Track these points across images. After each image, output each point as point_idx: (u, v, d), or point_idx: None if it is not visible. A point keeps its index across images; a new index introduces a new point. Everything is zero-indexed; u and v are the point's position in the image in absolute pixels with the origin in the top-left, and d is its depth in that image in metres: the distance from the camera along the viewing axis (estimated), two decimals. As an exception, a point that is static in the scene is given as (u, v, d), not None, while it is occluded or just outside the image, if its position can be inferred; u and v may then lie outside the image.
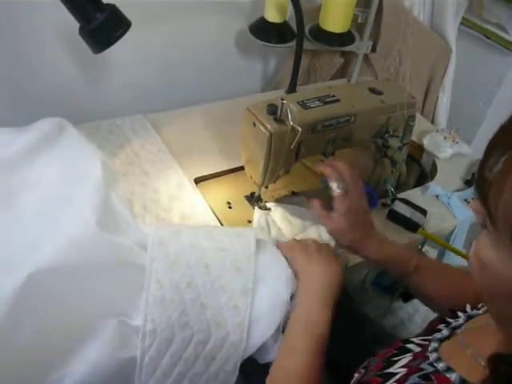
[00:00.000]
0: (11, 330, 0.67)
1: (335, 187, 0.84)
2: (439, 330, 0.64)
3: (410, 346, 0.62)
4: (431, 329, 0.68)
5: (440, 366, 0.53)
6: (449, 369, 0.52)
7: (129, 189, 1.02)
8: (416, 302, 1.31)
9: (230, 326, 0.77)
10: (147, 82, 1.34)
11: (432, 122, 1.55)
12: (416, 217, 1.07)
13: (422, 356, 0.57)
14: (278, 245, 0.87)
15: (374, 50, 1.43)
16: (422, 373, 0.53)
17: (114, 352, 0.74)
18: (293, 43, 1.32)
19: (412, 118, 1.06)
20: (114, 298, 0.78)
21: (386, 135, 1.01)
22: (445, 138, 1.27)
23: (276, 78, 1.55)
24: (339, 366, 0.97)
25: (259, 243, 0.85)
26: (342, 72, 1.55)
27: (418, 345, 0.61)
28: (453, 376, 0.51)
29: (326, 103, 0.94)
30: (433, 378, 0.52)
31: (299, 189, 1.14)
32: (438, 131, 1.30)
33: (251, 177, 0.99)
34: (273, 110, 0.87)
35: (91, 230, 0.76)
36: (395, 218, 1.07)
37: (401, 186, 1.22)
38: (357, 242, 0.86)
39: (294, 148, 0.90)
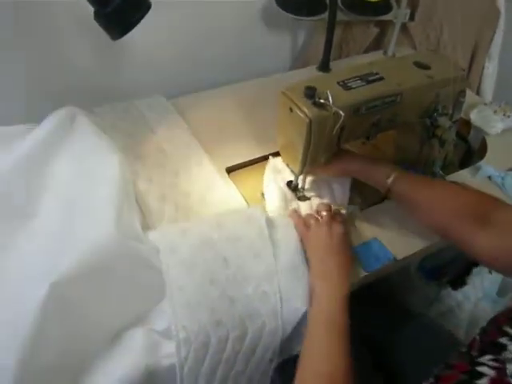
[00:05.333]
0: (37, 346, 0.63)
1: None
2: (504, 346, 0.56)
3: (481, 369, 0.54)
4: (493, 340, 0.59)
5: None
6: None
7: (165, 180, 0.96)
8: (466, 288, 1.23)
9: (263, 314, 0.74)
10: (170, 66, 1.27)
11: (477, 94, 1.43)
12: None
13: (501, 381, 0.50)
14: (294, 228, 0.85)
15: (412, 18, 1.32)
16: None
17: (146, 362, 0.69)
18: (324, 15, 1.22)
19: (462, 93, 0.96)
20: (136, 304, 0.75)
21: (435, 114, 0.91)
22: (494, 111, 1.16)
23: (305, 54, 1.45)
24: (384, 363, 0.92)
25: (268, 222, 0.83)
26: (377, 43, 1.44)
27: (492, 367, 0.54)
28: None
29: (369, 82, 0.85)
30: None
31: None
32: (486, 104, 1.19)
33: (288, 165, 0.91)
34: (311, 92, 0.79)
35: (111, 234, 0.71)
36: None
37: (447, 167, 1.12)
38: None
39: (336, 134, 0.82)
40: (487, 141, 1.15)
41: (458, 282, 1.19)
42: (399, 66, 0.92)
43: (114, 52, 1.16)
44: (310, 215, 0.87)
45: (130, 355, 0.69)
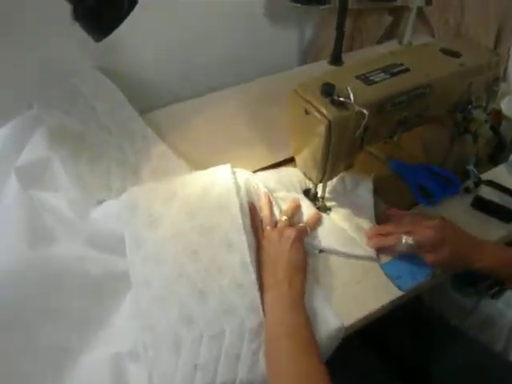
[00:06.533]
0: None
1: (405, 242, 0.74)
2: None
3: None
4: None
5: None
6: None
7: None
8: (507, 295, 1.11)
9: (241, 309, 0.66)
10: (166, 71, 1.16)
11: (503, 81, 1.32)
12: (510, 203, 0.88)
13: None
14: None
15: (428, 2, 1.21)
16: None
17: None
18: (333, 4, 1.12)
19: (496, 81, 0.85)
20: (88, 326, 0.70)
21: (470, 106, 0.80)
22: (528, 99, 1.05)
23: (314, 48, 1.34)
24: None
25: (242, 208, 0.77)
26: (391, 32, 1.34)
27: None
28: None
29: (393, 75, 0.74)
30: None
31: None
32: (518, 92, 1.07)
33: (305, 174, 0.81)
34: (328, 90, 0.68)
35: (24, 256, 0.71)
36: (484, 206, 0.88)
37: (477, 164, 1.01)
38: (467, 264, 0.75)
39: (359, 135, 0.71)
40: (522, 132, 1.03)
41: (500, 289, 1.07)
42: (425, 54, 0.81)
43: (99, 57, 1.05)
44: (267, 220, 0.78)
45: None
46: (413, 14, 1.19)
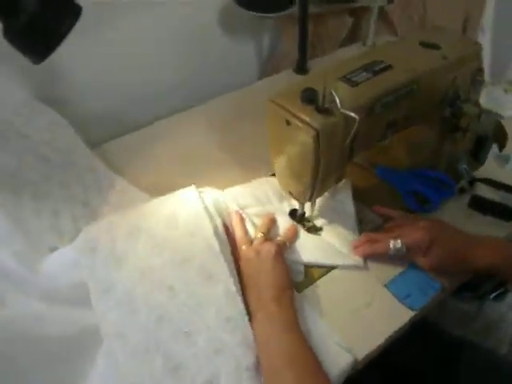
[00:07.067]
0: None
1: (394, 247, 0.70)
2: None
3: None
4: None
5: None
6: None
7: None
8: (509, 296, 1.05)
9: (234, 347, 0.58)
10: (114, 99, 1.04)
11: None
12: (509, 200, 0.82)
13: None
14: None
15: (390, 0, 1.16)
16: None
17: None
18: (291, 9, 1.05)
19: (480, 71, 0.79)
20: None
21: (458, 101, 0.74)
22: (505, 90, 1.01)
23: (274, 58, 1.27)
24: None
25: (216, 232, 0.69)
26: (352, 36, 1.28)
27: None
28: None
29: (376, 73, 0.67)
30: None
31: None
32: (493, 84, 1.03)
33: (291, 193, 0.72)
34: (310, 95, 0.61)
35: None
36: (481, 205, 0.82)
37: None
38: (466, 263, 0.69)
39: (349, 144, 0.63)
40: (503, 125, 0.98)
41: (500, 291, 1.01)
42: (405, 49, 0.75)
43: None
44: (242, 239, 0.71)
45: None
46: (374, 14, 1.14)
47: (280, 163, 0.70)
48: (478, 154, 0.96)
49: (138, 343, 0.59)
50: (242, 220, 0.74)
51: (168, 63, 1.09)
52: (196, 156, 0.93)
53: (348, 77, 0.66)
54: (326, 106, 0.60)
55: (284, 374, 0.55)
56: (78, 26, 0.55)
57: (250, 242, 0.71)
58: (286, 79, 1.11)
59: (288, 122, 0.62)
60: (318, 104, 0.60)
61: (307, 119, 0.59)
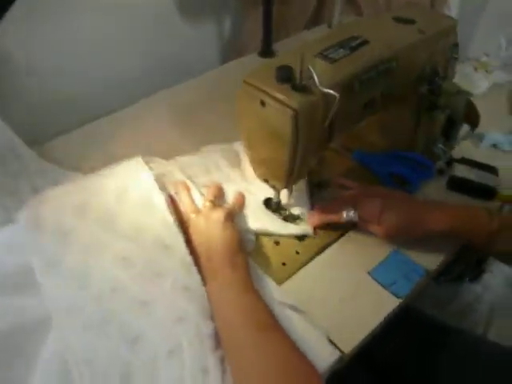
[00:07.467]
0: None
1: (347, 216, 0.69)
2: None
3: None
4: None
5: None
6: None
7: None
8: (485, 277, 1.05)
9: (193, 314, 0.57)
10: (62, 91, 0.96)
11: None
12: (486, 179, 0.80)
13: None
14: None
15: (354, -21, 1.13)
16: None
17: None
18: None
19: (456, 47, 0.77)
20: None
21: (437, 78, 0.71)
22: (475, 68, 0.99)
23: (236, 42, 1.22)
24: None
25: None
26: (316, 18, 1.24)
27: None
28: None
29: (353, 49, 0.63)
30: None
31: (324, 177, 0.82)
32: (463, 61, 1.01)
33: (266, 181, 0.68)
34: (286, 73, 0.56)
35: None
36: (459, 185, 0.80)
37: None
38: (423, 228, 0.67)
39: (327, 125, 0.59)
40: (474, 103, 0.97)
41: (475, 272, 1.01)
42: (378, 25, 0.71)
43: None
44: (189, 207, 0.69)
45: None
46: (340, -6, 1.10)
47: (254, 149, 0.65)
48: (448, 133, 0.95)
49: (90, 316, 0.56)
50: (188, 188, 0.72)
51: (129, 51, 1.03)
52: (158, 144, 0.87)
53: (325, 53, 0.62)
54: (304, 83, 0.56)
55: (240, 333, 0.54)
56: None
57: (198, 210, 0.68)
58: (251, 63, 1.06)
59: (263, 103, 0.57)
60: (295, 82, 0.55)
61: (284, 98, 0.55)
